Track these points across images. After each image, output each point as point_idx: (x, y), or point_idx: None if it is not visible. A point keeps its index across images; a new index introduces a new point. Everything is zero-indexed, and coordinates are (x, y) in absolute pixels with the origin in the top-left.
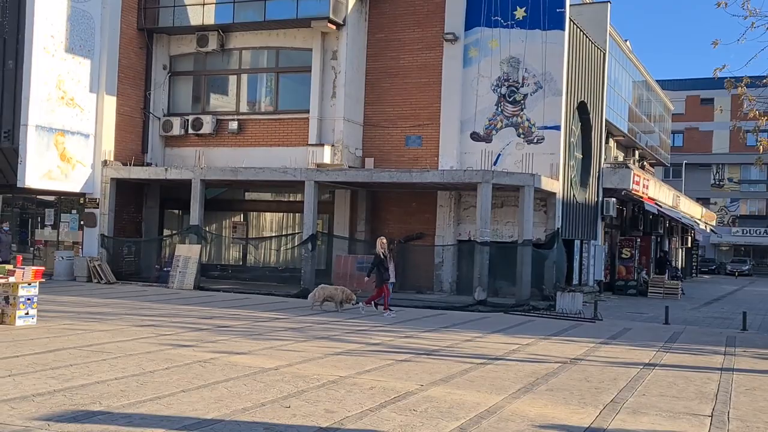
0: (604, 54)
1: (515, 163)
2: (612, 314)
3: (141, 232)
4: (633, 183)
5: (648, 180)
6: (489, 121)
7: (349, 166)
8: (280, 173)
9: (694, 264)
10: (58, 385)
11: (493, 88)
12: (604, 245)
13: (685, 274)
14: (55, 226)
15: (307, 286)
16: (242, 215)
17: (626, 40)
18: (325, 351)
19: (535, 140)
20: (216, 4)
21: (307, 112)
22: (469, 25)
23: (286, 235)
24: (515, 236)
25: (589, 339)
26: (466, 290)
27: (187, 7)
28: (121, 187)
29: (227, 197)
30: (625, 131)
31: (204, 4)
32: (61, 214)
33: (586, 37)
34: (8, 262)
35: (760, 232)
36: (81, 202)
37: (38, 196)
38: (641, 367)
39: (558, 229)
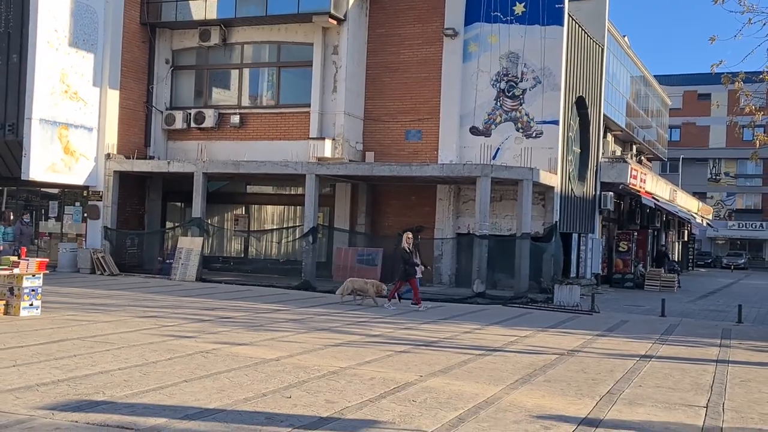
0: (603, 49)
1: (514, 157)
2: (609, 307)
3: (144, 224)
4: (630, 177)
5: (645, 174)
6: (488, 115)
7: (350, 160)
8: (282, 167)
9: (690, 257)
10: (62, 375)
11: (493, 83)
12: (601, 239)
13: (681, 267)
14: (59, 218)
15: (307, 278)
16: (244, 208)
17: (624, 36)
18: (325, 342)
19: (533, 134)
20: None
21: (308, 106)
22: (468, 21)
23: (287, 228)
24: (514, 229)
25: (587, 331)
26: (465, 283)
27: (190, 1)
28: (124, 179)
29: (229, 190)
30: (623, 126)
31: None
32: (65, 207)
33: (585, 32)
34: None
35: (755, 226)
36: (84, 194)
37: (42, 189)
38: (638, 358)
39: (556, 222)
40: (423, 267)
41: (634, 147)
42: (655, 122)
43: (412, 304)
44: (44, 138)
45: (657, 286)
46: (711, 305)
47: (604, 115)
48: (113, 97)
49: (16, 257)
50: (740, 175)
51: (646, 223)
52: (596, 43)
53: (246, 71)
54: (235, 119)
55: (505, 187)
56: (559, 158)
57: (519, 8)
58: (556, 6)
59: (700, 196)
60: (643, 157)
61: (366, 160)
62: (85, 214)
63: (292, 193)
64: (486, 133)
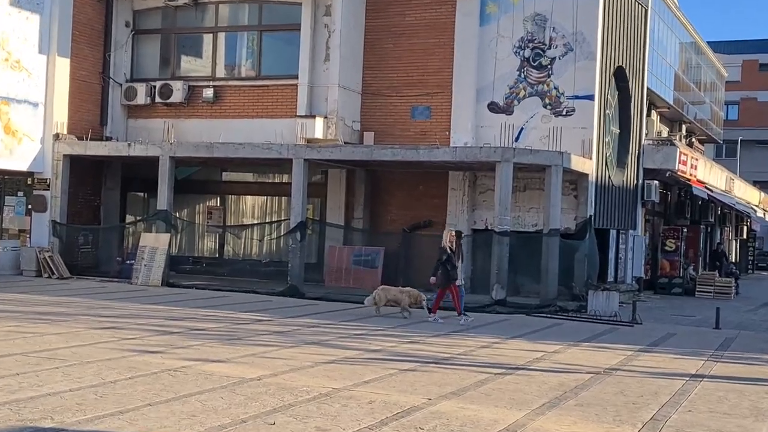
0: (647, 11)
1: (540, 139)
2: (653, 317)
3: (99, 218)
4: (679, 163)
5: (697, 159)
6: (510, 89)
7: (345, 142)
8: (264, 150)
9: (750, 258)
10: (2, 397)
11: (515, 50)
12: (644, 236)
13: (739, 269)
14: None
15: (294, 283)
16: (219, 199)
17: None
18: (316, 358)
19: (564, 112)
20: None
21: (296, 77)
22: None
23: (271, 223)
24: (540, 225)
25: (626, 346)
26: (481, 288)
27: None
28: (76, 165)
29: (201, 178)
30: (671, 102)
31: None
32: (5, 197)
33: None
34: None
35: None
36: (29, 182)
37: None
38: (687, 378)
39: (590, 216)
40: (462, 275)
41: (684, 127)
42: (708, 97)
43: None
44: None
45: (710, 292)
46: None
47: (647, 89)
48: (63, 66)
49: None
50: None
51: (697, 218)
52: (639, 4)
53: (221, 36)
54: (209, 93)
55: (530, 174)
56: (594, 140)
57: None
58: None
59: (762, 185)
60: (694, 139)
61: (364, 141)
62: (30, 206)
63: (276, 181)
64: (507, 110)
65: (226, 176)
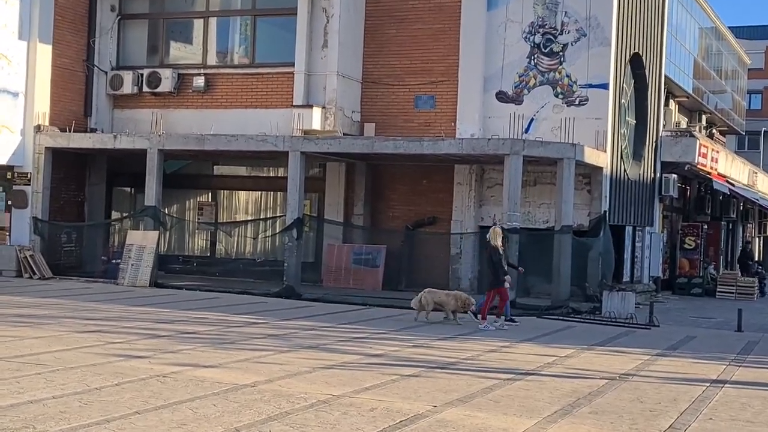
0: None
1: (552, 130)
2: (671, 319)
3: (83, 215)
4: (699, 155)
5: (718, 152)
6: (519, 77)
7: (344, 134)
8: (258, 142)
9: None
10: None
11: (525, 36)
12: (662, 233)
13: (764, 268)
14: None
15: (291, 283)
16: (210, 194)
17: None
18: (313, 363)
19: (576, 101)
20: None
21: (292, 65)
22: None
23: (266, 220)
24: (551, 221)
25: (643, 350)
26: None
27: None
28: (59, 158)
29: (191, 172)
30: (690, 91)
31: None
32: None
33: None
34: None
35: None
36: (8, 177)
37: None
38: (707, 384)
39: (605, 212)
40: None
41: (704, 117)
42: (730, 86)
43: (504, 319)
44: None
45: (732, 292)
46: None
47: (665, 77)
48: (44, 53)
49: None
50: None
51: (718, 214)
52: None
53: (213, 21)
54: (199, 82)
55: (541, 167)
56: (608, 131)
57: None
58: None
59: None
60: (715, 130)
61: (365, 133)
62: (9, 202)
63: (271, 175)
64: (516, 99)
65: (218, 170)
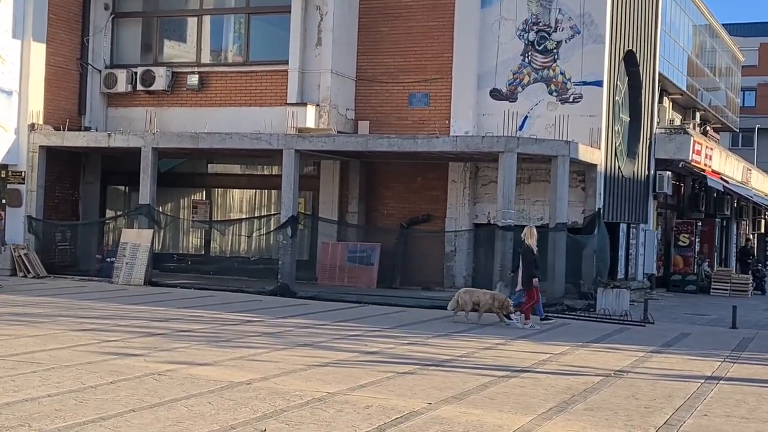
0: None
1: (546, 128)
2: (666, 316)
3: (78, 213)
4: (693, 152)
5: (712, 149)
6: (513, 74)
7: (339, 131)
8: (252, 140)
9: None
10: None
11: (519, 33)
12: (656, 230)
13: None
14: None
15: (285, 281)
16: (204, 193)
17: None
18: (309, 361)
19: (570, 99)
20: None
21: (286, 63)
22: None
23: (260, 218)
24: (546, 219)
25: (638, 346)
26: (484, 286)
27: None
28: (53, 157)
29: (186, 170)
30: (684, 88)
31: None
32: None
33: None
34: None
35: None
36: (2, 176)
37: None
38: (702, 381)
39: (599, 209)
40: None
41: (698, 114)
42: (723, 83)
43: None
44: None
45: (726, 289)
46: None
47: (659, 74)
48: (38, 52)
49: None
50: None
51: (712, 211)
52: None
53: (207, 19)
54: (193, 80)
55: (535, 165)
56: (603, 129)
57: None
58: None
59: None
60: (708, 128)
61: (359, 131)
62: (3, 201)
63: (265, 173)
64: (510, 97)
65: (213, 168)
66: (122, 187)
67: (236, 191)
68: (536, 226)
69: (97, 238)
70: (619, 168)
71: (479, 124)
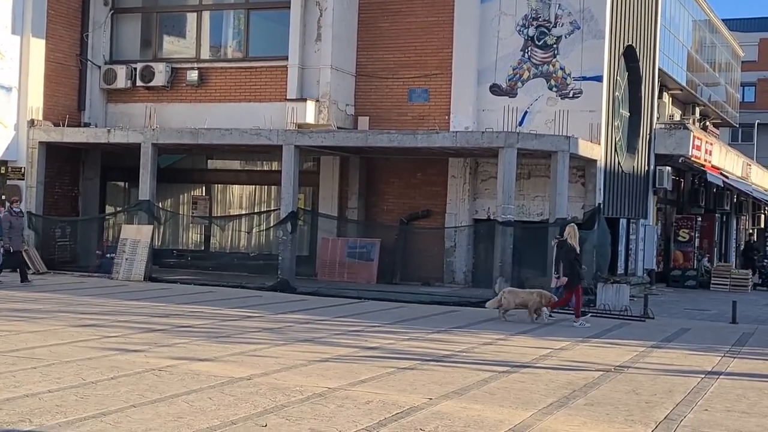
0: None
1: (546, 123)
2: (666, 311)
3: (78, 209)
4: (693, 148)
5: (711, 144)
6: (513, 70)
7: (338, 127)
8: (252, 135)
9: None
10: None
11: (519, 28)
12: (656, 225)
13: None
14: None
15: (285, 277)
16: (204, 188)
17: None
18: (309, 357)
19: (570, 94)
20: None
21: (286, 59)
22: None
23: (260, 213)
24: (546, 214)
25: (638, 341)
26: (484, 282)
27: None
28: (53, 153)
29: (185, 166)
30: (683, 83)
31: None
32: None
33: None
34: (21, 253)
35: None
36: (2, 172)
37: None
38: (702, 375)
39: (599, 205)
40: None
41: (698, 110)
42: (723, 78)
43: (550, 312)
44: None
45: (726, 284)
46: None
47: (659, 69)
48: (38, 48)
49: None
50: None
51: (712, 206)
52: None
53: (206, 14)
54: (193, 76)
55: (535, 160)
56: (602, 124)
57: None
58: None
59: None
60: (708, 123)
61: (359, 127)
62: (3, 197)
63: (265, 169)
64: (510, 92)
65: (212, 164)
66: (122, 183)
67: (236, 187)
68: (535, 222)
69: (96, 234)
70: (618, 163)
71: (479, 119)
